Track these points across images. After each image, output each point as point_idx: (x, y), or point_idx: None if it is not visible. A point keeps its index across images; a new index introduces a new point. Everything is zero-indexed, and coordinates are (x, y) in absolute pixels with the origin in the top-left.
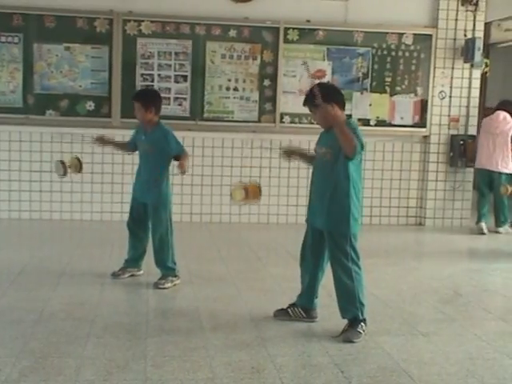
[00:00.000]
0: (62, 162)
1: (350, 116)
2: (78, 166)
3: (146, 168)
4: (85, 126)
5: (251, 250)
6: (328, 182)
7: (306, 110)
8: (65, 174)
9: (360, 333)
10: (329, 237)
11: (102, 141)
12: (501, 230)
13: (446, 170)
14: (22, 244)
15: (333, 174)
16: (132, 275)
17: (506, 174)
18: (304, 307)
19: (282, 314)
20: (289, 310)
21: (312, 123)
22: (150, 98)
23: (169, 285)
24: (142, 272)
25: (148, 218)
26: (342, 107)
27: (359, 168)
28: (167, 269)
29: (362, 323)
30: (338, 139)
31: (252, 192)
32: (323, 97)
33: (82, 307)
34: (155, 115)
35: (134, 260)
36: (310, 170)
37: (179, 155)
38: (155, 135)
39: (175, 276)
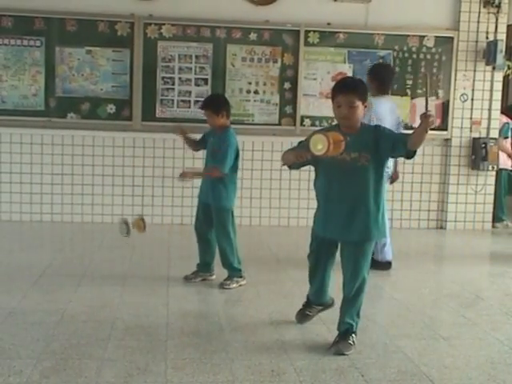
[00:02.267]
0: (126, 222)
1: None
2: (142, 226)
3: (208, 168)
4: (105, 129)
5: (271, 252)
6: (364, 188)
7: (326, 113)
8: (128, 233)
9: (351, 344)
10: (354, 248)
11: (181, 131)
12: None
13: (467, 173)
14: (43, 246)
15: (370, 179)
16: (204, 279)
17: None
18: (318, 303)
19: (303, 317)
20: (306, 311)
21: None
22: (220, 104)
23: (234, 285)
24: (214, 277)
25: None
26: None
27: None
28: (233, 269)
29: (353, 334)
30: (417, 138)
31: (335, 140)
32: (364, 93)
33: (102, 309)
34: (226, 119)
35: (204, 264)
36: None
37: (216, 166)
38: (220, 138)
39: (241, 277)
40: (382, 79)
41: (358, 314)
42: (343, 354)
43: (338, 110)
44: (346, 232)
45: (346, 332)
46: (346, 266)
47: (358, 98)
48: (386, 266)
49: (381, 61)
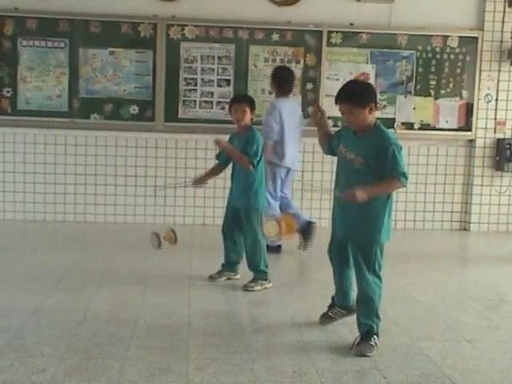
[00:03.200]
0: (157, 235)
1: (392, 120)
2: (174, 239)
3: (238, 172)
4: (129, 129)
5: (293, 253)
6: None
7: None
8: (159, 246)
9: (373, 346)
10: (355, 249)
11: (198, 182)
12: None
13: (491, 174)
14: (66, 246)
15: (369, 182)
16: (228, 278)
17: None
18: (341, 305)
19: (327, 320)
20: (330, 313)
21: None
22: (253, 102)
23: (258, 287)
24: (239, 276)
25: (242, 222)
26: (377, 107)
27: None
28: (259, 272)
29: (375, 336)
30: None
31: (286, 226)
32: (363, 98)
33: (125, 309)
34: (251, 119)
35: (230, 263)
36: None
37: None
38: (247, 137)
39: (266, 279)
40: (281, 81)
41: (377, 315)
42: (365, 356)
43: (342, 116)
44: (347, 231)
45: (367, 333)
46: (353, 267)
47: (354, 105)
48: (276, 249)
49: (284, 64)
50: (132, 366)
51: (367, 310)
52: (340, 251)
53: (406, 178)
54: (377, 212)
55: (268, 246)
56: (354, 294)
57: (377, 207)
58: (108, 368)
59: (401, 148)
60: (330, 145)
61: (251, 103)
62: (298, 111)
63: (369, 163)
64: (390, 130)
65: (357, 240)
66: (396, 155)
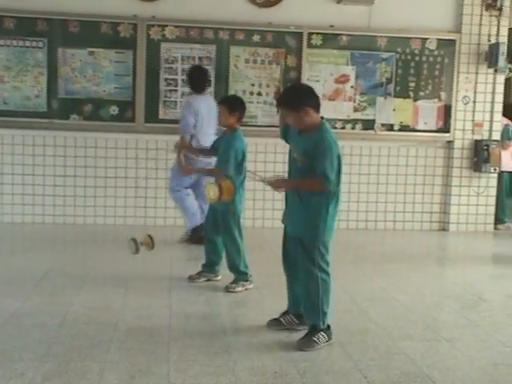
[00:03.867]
0: (135, 240)
1: (372, 122)
2: (151, 244)
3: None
4: (109, 130)
5: (274, 254)
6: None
7: (329, 115)
8: (137, 251)
9: (315, 342)
10: (299, 243)
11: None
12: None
13: (469, 175)
14: (45, 248)
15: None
16: (208, 280)
17: None
18: (296, 314)
19: (275, 323)
20: (281, 318)
21: (335, 128)
22: (236, 104)
23: (240, 289)
24: (219, 277)
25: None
26: (318, 110)
27: (338, 174)
28: (239, 273)
29: (322, 333)
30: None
31: (226, 188)
32: (295, 103)
33: (105, 311)
34: (237, 121)
35: (210, 264)
36: None
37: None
38: (228, 140)
39: (247, 280)
40: (195, 80)
41: (324, 312)
42: (303, 351)
43: None
44: (292, 228)
45: (313, 329)
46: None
47: (288, 109)
48: (198, 240)
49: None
50: (112, 369)
51: (313, 306)
52: (290, 249)
53: (329, 181)
54: (314, 209)
55: (192, 238)
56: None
57: (313, 204)
58: (88, 371)
59: (336, 150)
60: (285, 130)
61: (229, 104)
62: (214, 107)
63: (307, 162)
64: (333, 131)
65: (299, 236)
66: (325, 157)
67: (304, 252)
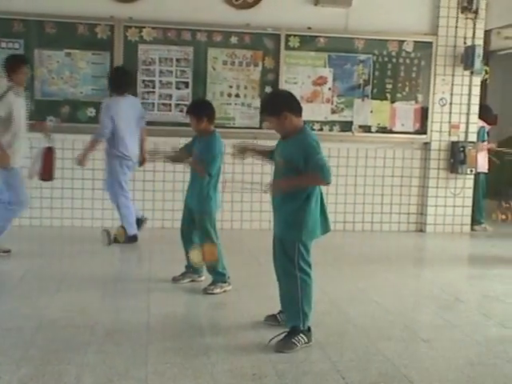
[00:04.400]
0: (108, 232)
1: (350, 123)
2: (124, 235)
3: (194, 174)
4: (86, 132)
5: (253, 256)
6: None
7: (307, 117)
8: (110, 243)
9: (295, 344)
10: (278, 244)
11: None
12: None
13: (446, 176)
14: (22, 251)
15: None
16: (192, 281)
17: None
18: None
19: (271, 319)
20: (277, 315)
21: (313, 129)
22: (201, 109)
23: (218, 290)
24: (203, 278)
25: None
26: (299, 114)
27: None
28: (217, 274)
29: (302, 334)
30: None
31: (209, 253)
32: (274, 109)
33: (82, 314)
34: (209, 124)
35: (191, 265)
36: None
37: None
38: (206, 143)
39: (225, 282)
40: (117, 82)
41: (304, 313)
42: (282, 352)
43: None
44: (276, 229)
45: (292, 330)
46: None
47: (267, 115)
48: (132, 239)
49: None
50: (89, 372)
51: (292, 307)
52: (275, 250)
53: (327, 171)
54: (296, 210)
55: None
56: None
57: (296, 205)
58: (65, 374)
59: (318, 147)
60: (271, 156)
61: (194, 111)
62: (138, 108)
63: (290, 166)
64: (314, 132)
65: (279, 236)
66: (314, 153)
67: (284, 252)
